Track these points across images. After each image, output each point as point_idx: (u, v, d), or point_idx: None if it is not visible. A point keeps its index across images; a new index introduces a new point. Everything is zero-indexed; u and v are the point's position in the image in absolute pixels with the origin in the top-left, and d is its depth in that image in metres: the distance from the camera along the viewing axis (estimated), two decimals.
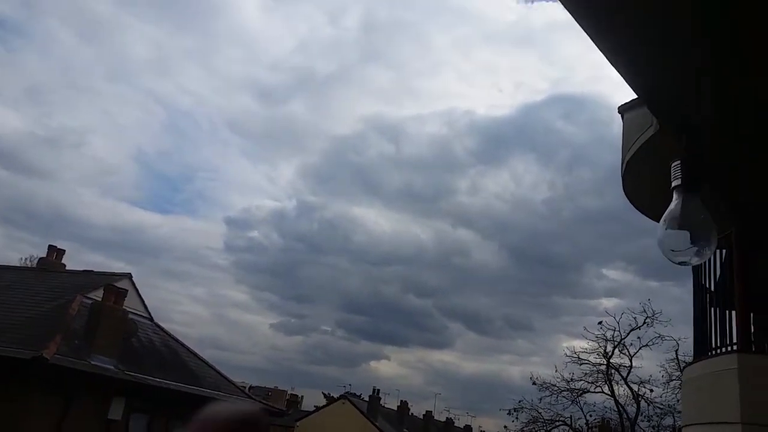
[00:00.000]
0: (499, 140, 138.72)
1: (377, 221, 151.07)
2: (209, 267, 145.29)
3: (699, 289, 6.27)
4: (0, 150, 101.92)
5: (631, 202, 6.91)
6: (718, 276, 6.29)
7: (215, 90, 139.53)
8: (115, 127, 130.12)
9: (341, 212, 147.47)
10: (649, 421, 26.59)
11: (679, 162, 3.68)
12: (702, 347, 5.95)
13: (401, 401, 61.72)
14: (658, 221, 7.59)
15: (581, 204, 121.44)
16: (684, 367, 6.32)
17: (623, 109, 6.48)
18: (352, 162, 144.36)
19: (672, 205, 3.61)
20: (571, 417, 27.34)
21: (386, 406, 60.03)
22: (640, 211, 7.17)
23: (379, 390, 57.67)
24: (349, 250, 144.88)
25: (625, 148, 6.26)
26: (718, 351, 5.56)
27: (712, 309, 6.33)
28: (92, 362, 16.36)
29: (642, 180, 6.37)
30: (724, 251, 6.21)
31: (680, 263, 4.03)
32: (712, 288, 6.40)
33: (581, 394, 26.51)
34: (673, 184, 3.66)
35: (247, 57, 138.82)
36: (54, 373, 14.91)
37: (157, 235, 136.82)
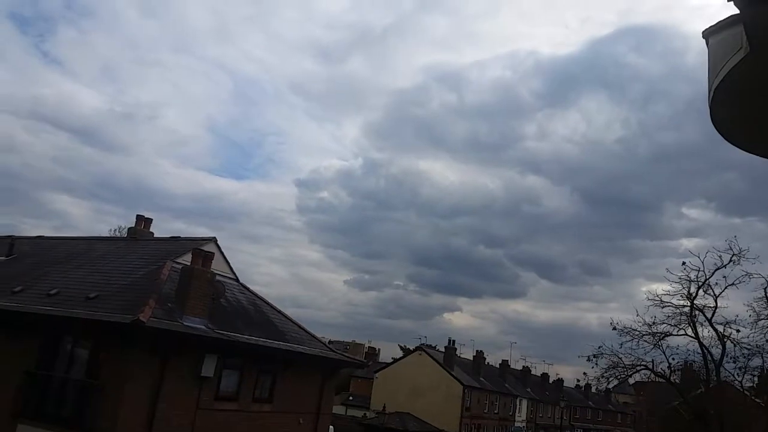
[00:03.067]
0: (567, 80, 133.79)
1: (444, 174, 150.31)
2: (284, 228, 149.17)
3: None
4: (84, 129, 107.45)
5: (720, 133, 6.43)
6: None
7: (276, 54, 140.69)
8: (186, 98, 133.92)
9: (407, 167, 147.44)
10: (735, 362, 25.67)
11: None
12: None
13: (477, 351, 62.12)
14: (750, 152, 7.09)
15: (657, 140, 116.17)
16: None
17: (708, 33, 5.98)
18: (414, 115, 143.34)
19: None
20: (653, 361, 26.72)
21: (462, 356, 60.52)
22: (730, 142, 6.67)
23: (454, 341, 58.16)
24: (417, 204, 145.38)
25: (713, 74, 5.79)
26: None
27: None
28: (185, 323, 16.98)
29: (732, 108, 5.91)
30: None
31: None
32: None
33: (663, 337, 25.82)
34: None
35: (304, 17, 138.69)
36: (150, 334, 15.55)
37: (234, 200, 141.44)
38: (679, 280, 25.07)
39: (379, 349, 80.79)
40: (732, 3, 4.65)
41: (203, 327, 17.58)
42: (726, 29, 5.73)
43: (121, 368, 15.56)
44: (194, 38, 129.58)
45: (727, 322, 25.06)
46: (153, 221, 25.78)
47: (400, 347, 76.57)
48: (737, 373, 26.31)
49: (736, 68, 5.47)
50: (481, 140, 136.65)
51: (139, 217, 25.50)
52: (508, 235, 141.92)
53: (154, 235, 25.16)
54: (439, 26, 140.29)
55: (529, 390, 66.16)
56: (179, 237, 23.78)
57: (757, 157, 6.98)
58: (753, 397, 27.69)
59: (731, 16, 5.59)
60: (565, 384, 76.36)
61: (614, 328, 26.27)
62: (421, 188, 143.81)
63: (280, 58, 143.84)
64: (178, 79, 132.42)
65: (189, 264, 18.55)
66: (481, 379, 57.77)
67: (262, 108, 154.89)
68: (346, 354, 29.03)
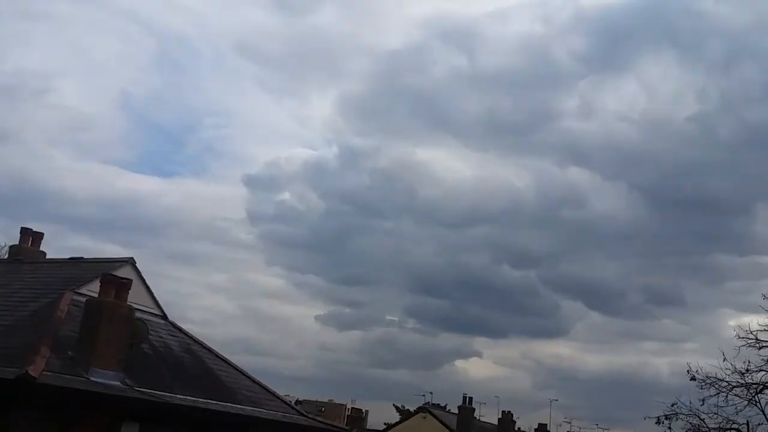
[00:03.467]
0: (619, 36, 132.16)
1: (452, 166, 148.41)
2: (230, 245, 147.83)
3: None
4: None
5: None
6: None
7: (216, 3, 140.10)
8: (89, 65, 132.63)
9: (401, 158, 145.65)
10: None
11: None
12: None
13: (503, 412, 61.97)
14: None
15: (746, 117, 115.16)
16: None
17: None
18: (410, 86, 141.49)
19: None
20: (747, 423, 26.66)
21: (482, 419, 60.38)
22: None
23: (471, 398, 57.99)
24: (415, 209, 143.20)
25: None
26: None
27: None
28: (92, 378, 16.63)
29: None
30: None
31: None
32: None
33: (762, 389, 25.76)
34: None
35: None
36: (44, 394, 15.20)
37: (159, 205, 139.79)
38: None
39: (366, 411, 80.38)
40: None
41: (118, 383, 17.28)
42: None
43: None
44: None
45: None
46: (44, 236, 25.45)
47: (396, 408, 76.52)
48: None
49: None
50: (502, 119, 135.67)
51: (25, 231, 25.19)
52: (543, 251, 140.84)
53: (47, 256, 24.93)
54: None
55: None
56: (82, 258, 23.53)
57: None
58: None
59: None
60: None
61: (693, 378, 26.10)
62: (421, 187, 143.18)
63: (222, 10, 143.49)
64: (78, 38, 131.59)
65: (97, 296, 18.21)
66: None
67: (197, 78, 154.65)
68: (320, 419, 28.74)
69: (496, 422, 61.29)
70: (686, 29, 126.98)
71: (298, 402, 43.25)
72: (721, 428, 26.75)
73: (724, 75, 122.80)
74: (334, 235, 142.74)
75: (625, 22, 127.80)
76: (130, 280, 19.37)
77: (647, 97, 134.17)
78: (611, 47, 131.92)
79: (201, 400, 19.45)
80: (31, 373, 14.76)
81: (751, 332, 25.68)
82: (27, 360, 15.31)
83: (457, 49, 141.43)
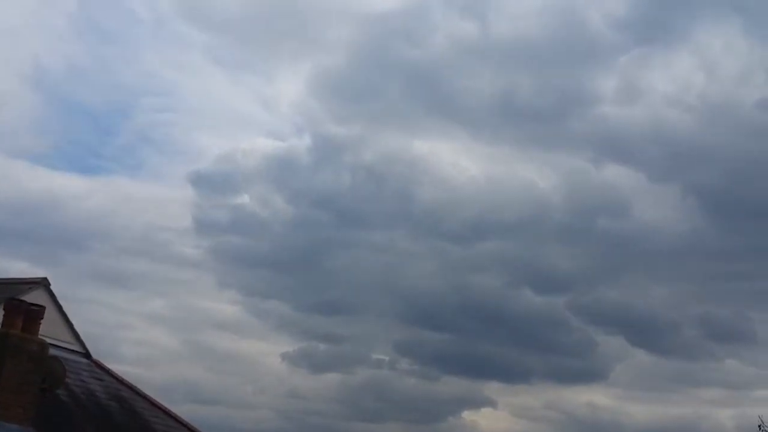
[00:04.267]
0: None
1: (457, 162, 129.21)
2: (172, 261, 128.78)
3: None
4: None
5: None
6: None
7: None
8: None
9: (392, 150, 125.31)
10: None
11: None
12: None
13: None
14: None
15: None
16: None
17: None
18: (403, 58, 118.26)
19: None
20: None
21: None
22: None
23: None
24: (411, 216, 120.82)
25: None
26: None
27: None
28: None
29: None
30: None
31: None
32: None
33: None
34: None
35: None
36: None
37: (81, 211, 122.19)
38: None
39: None
40: None
41: None
42: None
43: None
44: None
45: None
46: None
47: None
48: None
49: None
50: (521, 104, 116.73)
51: None
52: (575, 272, 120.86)
53: None
54: None
55: None
56: None
57: None
58: None
59: None
60: None
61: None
62: (418, 189, 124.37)
63: None
64: None
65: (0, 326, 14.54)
66: None
67: (131, 46, 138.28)
68: None
69: None
70: None
71: None
72: None
73: None
74: (305, 250, 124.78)
75: None
76: (43, 308, 15.41)
77: (705, 75, 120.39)
78: (660, 12, 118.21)
79: None
80: None
81: None
82: None
83: (463, 12, 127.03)
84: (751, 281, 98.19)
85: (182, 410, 20.40)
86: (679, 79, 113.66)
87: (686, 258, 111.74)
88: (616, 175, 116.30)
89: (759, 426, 21.40)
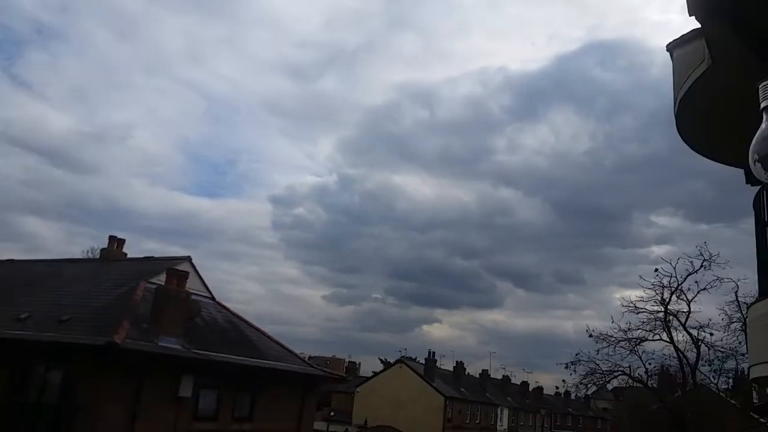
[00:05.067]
0: (535, 94, 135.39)
1: (418, 188, 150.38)
2: (260, 246, 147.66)
3: (761, 225, 5.98)
4: (53, 150, 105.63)
5: (685, 141, 6.61)
6: None
7: (249, 74, 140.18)
8: (158, 118, 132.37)
9: (382, 182, 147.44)
10: (710, 365, 26.10)
11: (767, 82, 3.45)
12: (767, 284, 5.68)
13: (457, 362, 62.19)
14: (715, 159, 7.27)
15: (624, 152, 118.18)
16: (749, 306, 6.06)
17: (672, 46, 6.16)
18: (388, 131, 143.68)
19: (763, 126, 3.39)
20: (629, 367, 27.04)
21: (442, 367, 60.56)
22: (695, 150, 6.86)
23: (434, 352, 58.20)
24: (393, 218, 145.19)
25: (677, 86, 5.96)
26: None
27: None
28: (160, 343, 16.75)
29: (696, 118, 6.08)
30: None
31: None
32: None
33: (639, 342, 26.16)
34: (762, 105, 3.45)
35: (276, 37, 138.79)
36: (126, 356, 15.35)
37: (209, 218, 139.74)
38: (652, 286, 25.45)
39: (359, 364, 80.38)
40: (694, 18, 4.81)
41: (179, 347, 17.34)
42: (689, 43, 5.90)
43: (97, 391, 15.30)
44: (167, 60, 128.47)
45: (700, 326, 25.51)
46: (126, 242, 25.31)
47: (381, 360, 76.37)
48: (713, 376, 26.76)
49: (700, 80, 5.65)
50: (453, 154, 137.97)
51: (112, 238, 25.06)
52: (484, 247, 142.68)
53: (128, 256, 24.77)
54: (409, 45, 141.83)
55: (509, 399, 66.32)
56: (152, 257, 23.44)
57: (721, 164, 7.20)
58: (729, 399, 28.13)
59: (693, 30, 5.78)
60: (545, 392, 76.69)
61: (590, 335, 26.55)
62: (397, 203, 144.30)
63: (253, 78, 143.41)
64: (151, 100, 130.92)
65: (163, 284, 18.31)
66: (462, 389, 57.77)
67: (236, 127, 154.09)
68: (326, 369, 28.82)
69: (451, 369, 61.45)
70: (581, 90, 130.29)
71: (310, 358, 43.13)
72: (611, 370, 27.16)
73: (608, 122, 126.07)
74: (334, 238, 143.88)
75: (539, 84, 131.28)
76: (187, 273, 19.58)
77: (554, 137, 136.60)
78: (529, 103, 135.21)
79: (238, 357, 19.52)
80: (116, 340, 15.01)
81: (631, 302, 26.14)
82: (113, 331, 15.49)
83: (421, 105, 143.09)
84: (581, 250, 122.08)
85: (267, 328, 24.18)
86: (540, 140, 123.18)
87: (545, 238, 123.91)
88: (505, 193, 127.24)
89: (586, 330, 26.11)
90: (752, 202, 5.87)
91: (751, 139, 3.60)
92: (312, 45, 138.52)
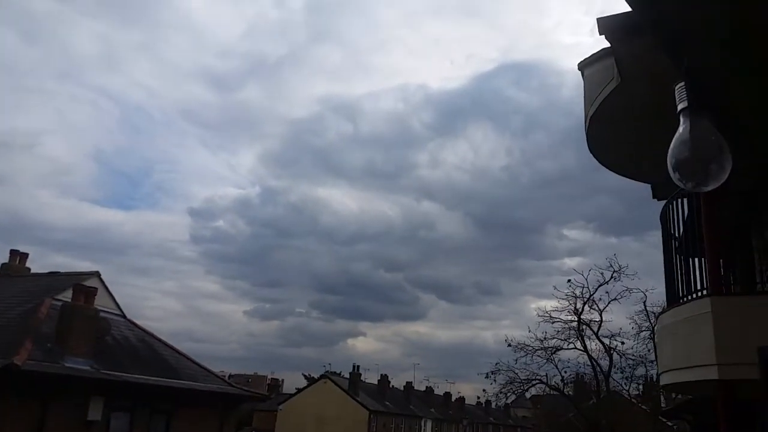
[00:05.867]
0: (454, 112, 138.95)
1: (343, 201, 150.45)
2: (177, 260, 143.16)
3: (668, 238, 6.30)
4: None
5: (595, 157, 6.89)
6: (683, 224, 6.31)
7: (167, 81, 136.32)
8: (68, 126, 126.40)
9: (306, 195, 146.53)
10: (622, 372, 27.30)
11: (683, 84, 3.50)
12: (674, 295, 5.99)
13: (381, 375, 62.40)
14: (624, 175, 7.61)
15: (538, 168, 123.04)
16: (658, 315, 6.36)
17: (583, 65, 6.40)
18: (312, 144, 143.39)
19: (680, 129, 3.46)
20: (546, 375, 27.89)
21: (367, 381, 60.50)
22: (605, 165, 7.16)
23: (358, 366, 58.10)
24: (317, 231, 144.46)
25: (588, 103, 6.20)
26: (691, 296, 5.59)
27: (680, 257, 6.37)
28: (66, 364, 15.95)
29: (606, 134, 6.35)
30: (686, 199, 6.22)
31: (695, 189, 3.94)
32: (679, 236, 6.42)
33: (555, 351, 27.04)
34: (679, 108, 3.48)
35: (196, 45, 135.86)
36: (28, 379, 14.53)
37: (121, 231, 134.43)
38: (566, 296, 26.46)
39: (282, 380, 79.12)
40: (604, 37, 5.02)
41: (88, 368, 16.57)
42: (599, 61, 6.15)
43: None
44: (79, 65, 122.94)
45: (612, 335, 26.70)
46: (30, 256, 24.08)
47: (304, 376, 75.44)
48: (624, 383, 28.01)
49: (609, 97, 5.89)
50: (377, 168, 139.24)
51: (14, 252, 23.74)
52: (407, 260, 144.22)
53: (31, 271, 23.52)
54: (332, 58, 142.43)
55: (433, 410, 66.96)
56: (59, 272, 22.33)
57: (629, 180, 7.57)
58: (639, 404, 29.50)
59: (603, 49, 6.03)
60: (467, 402, 77.96)
61: (509, 345, 27.27)
62: (321, 216, 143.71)
63: (171, 86, 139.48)
64: (61, 106, 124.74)
65: (69, 301, 17.50)
66: (387, 402, 57.86)
67: (152, 136, 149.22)
68: (246, 388, 28.10)
69: (376, 383, 61.49)
70: (498, 108, 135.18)
71: (230, 376, 42.04)
72: (529, 379, 27.93)
73: (524, 139, 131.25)
74: (257, 251, 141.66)
75: (458, 102, 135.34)
76: (96, 289, 18.77)
77: (474, 153, 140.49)
78: (449, 119, 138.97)
79: (152, 378, 18.87)
80: (16, 361, 14.14)
81: (546, 312, 27.07)
82: (14, 352, 14.62)
83: (345, 118, 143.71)
84: (499, 263, 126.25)
85: (183, 346, 23.39)
86: (460, 156, 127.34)
87: (466, 251, 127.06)
88: (428, 207, 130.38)
89: (505, 340, 27.10)
90: (659, 215, 6.18)
91: (659, 155, 3.74)
92: (233, 54, 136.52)
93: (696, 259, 6.01)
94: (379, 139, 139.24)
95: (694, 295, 5.54)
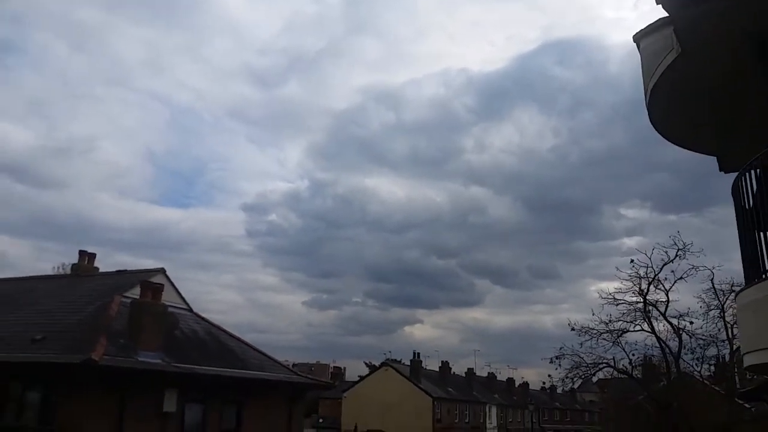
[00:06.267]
0: (498, 94, 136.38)
1: (390, 190, 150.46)
2: (235, 254, 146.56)
3: (742, 212, 6.04)
4: (13, 165, 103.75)
5: (657, 130, 6.66)
6: (755, 197, 6.02)
7: (211, 81, 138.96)
8: (121, 130, 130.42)
9: (353, 185, 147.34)
10: (692, 353, 26.41)
11: None
12: (754, 271, 5.73)
13: (442, 362, 62.46)
14: (687, 147, 7.35)
15: (587, 147, 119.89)
16: (737, 293, 6.12)
17: (639, 37, 6.20)
18: (356, 134, 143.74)
19: None
20: (614, 358, 27.24)
21: (428, 368, 60.68)
22: (667, 138, 6.92)
23: (419, 353, 58.35)
24: (367, 221, 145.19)
25: (647, 76, 5.99)
26: None
27: (759, 231, 6.08)
28: (140, 358, 16.52)
29: (668, 106, 6.13)
30: (759, 171, 5.93)
31: None
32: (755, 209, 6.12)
33: (621, 334, 26.34)
34: None
35: (237, 44, 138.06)
36: (105, 373, 15.08)
37: (180, 229, 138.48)
38: (629, 277, 25.69)
39: (344, 368, 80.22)
40: (660, 6, 4.85)
41: (160, 361, 17.13)
42: (656, 32, 5.95)
43: (78, 411, 14.98)
44: (126, 70, 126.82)
45: (680, 315, 25.81)
46: (97, 256, 24.96)
47: (366, 364, 76.33)
48: (695, 364, 27.08)
49: (670, 68, 5.70)
50: (422, 155, 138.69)
51: (82, 253, 24.65)
52: (459, 245, 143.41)
53: (99, 270, 24.35)
54: (371, 49, 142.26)
55: (496, 396, 66.67)
56: (125, 270, 23.07)
57: (685, 155, 7.29)
58: (712, 386, 28.53)
59: (660, 19, 5.81)
60: (531, 387, 77.27)
61: (573, 329, 26.69)
62: (370, 205, 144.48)
63: (216, 86, 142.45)
64: (112, 111, 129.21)
65: (138, 297, 18.10)
66: (449, 389, 57.91)
67: (201, 136, 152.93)
68: (311, 376, 28.67)
69: (437, 369, 61.60)
70: (543, 88, 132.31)
71: (294, 365, 42.91)
72: (595, 363, 27.35)
73: (570, 118, 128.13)
74: (310, 243, 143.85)
75: (501, 84, 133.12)
76: (162, 285, 19.38)
77: (520, 135, 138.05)
78: (493, 102, 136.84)
79: (221, 369, 19.35)
80: (94, 357, 14.72)
81: (610, 294, 26.39)
82: (90, 348, 15.20)
83: (387, 107, 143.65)
84: (554, 245, 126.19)
85: (248, 337, 24.05)
86: (506, 139, 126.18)
87: (518, 234, 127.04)
88: (476, 192, 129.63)
89: (568, 324, 26.31)
90: (731, 188, 5.92)
91: (724, 125, 3.61)
92: (273, 50, 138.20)
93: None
94: (422, 126, 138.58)
95: None
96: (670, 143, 7.05)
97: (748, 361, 6.00)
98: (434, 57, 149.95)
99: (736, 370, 26.80)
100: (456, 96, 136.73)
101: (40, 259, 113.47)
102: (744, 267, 6.27)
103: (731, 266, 26.48)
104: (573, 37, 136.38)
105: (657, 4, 4.77)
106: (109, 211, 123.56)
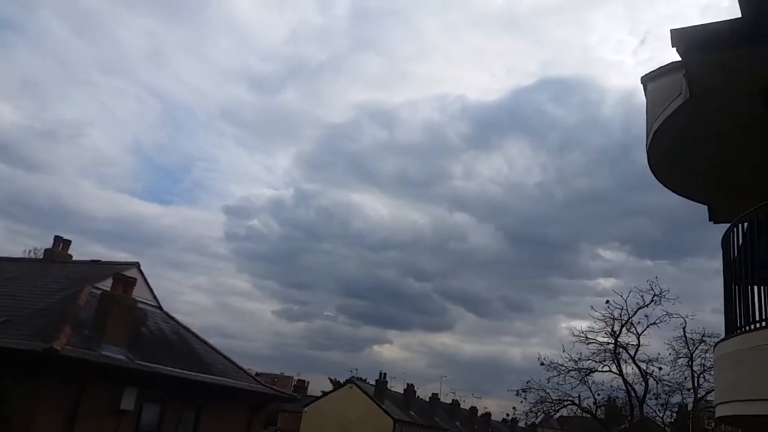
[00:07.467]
0: (491, 124, 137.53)
1: (374, 207, 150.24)
2: (210, 256, 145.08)
3: (729, 265, 6.05)
4: None
5: (654, 174, 6.66)
6: (737, 251, 6.03)
7: (209, 81, 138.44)
8: (112, 119, 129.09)
9: (338, 199, 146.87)
10: (657, 399, 26.61)
11: None
12: (734, 322, 5.73)
13: (407, 384, 61.91)
14: (683, 195, 7.36)
15: (573, 186, 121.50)
16: (717, 343, 6.09)
17: (647, 79, 6.22)
18: (346, 149, 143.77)
19: None
20: (579, 396, 27.34)
21: (393, 389, 60.20)
22: (663, 183, 6.92)
23: (385, 373, 57.79)
24: (347, 236, 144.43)
25: (651, 118, 6.00)
26: (758, 325, 5.34)
27: (735, 285, 6.10)
28: (103, 352, 16.13)
29: (669, 150, 6.13)
30: (746, 224, 5.96)
31: None
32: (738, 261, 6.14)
33: (589, 373, 26.49)
34: None
35: (240, 47, 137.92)
36: (65, 364, 14.70)
37: (158, 225, 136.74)
38: (603, 317, 25.90)
39: (308, 382, 79.20)
40: (675, 50, 4.85)
41: (123, 357, 16.73)
42: (665, 75, 5.97)
43: (32, 398, 14.53)
44: (127, 60, 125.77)
45: (649, 360, 26.07)
46: (72, 243, 24.49)
47: (330, 380, 75.50)
48: (659, 410, 27.28)
49: (675, 113, 5.71)
50: (410, 177, 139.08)
51: (57, 239, 24.17)
52: (436, 269, 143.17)
53: (73, 258, 23.87)
54: (372, 65, 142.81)
55: (458, 424, 66.26)
56: (100, 261, 22.69)
57: (667, 203, 7.33)
58: None
59: (670, 63, 5.84)
60: (492, 418, 76.97)
61: (542, 363, 26.79)
62: (352, 220, 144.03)
63: (213, 85, 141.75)
64: (106, 99, 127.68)
65: (109, 290, 17.73)
66: (412, 413, 57.44)
67: (192, 133, 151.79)
68: (276, 387, 28.23)
69: (402, 392, 61.17)
70: (535, 123, 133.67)
71: (257, 374, 42.26)
72: (561, 399, 27.40)
73: (559, 156, 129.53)
74: (287, 252, 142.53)
75: (495, 115, 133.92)
76: (135, 279, 18.96)
77: (508, 167, 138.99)
78: (485, 132, 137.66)
79: (185, 371, 18.99)
80: (56, 346, 14.33)
81: (582, 332, 26.54)
82: (53, 336, 14.83)
83: (380, 125, 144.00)
84: (530, 279, 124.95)
85: (215, 341, 23.71)
86: (494, 169, 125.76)
87: (496, 264, 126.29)
88: (460, 218, 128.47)
89: (538, 358, 26.58)
90: (720, 239, 5.92)
91: (722, 175, 3.58)
92: (275, 58, 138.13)
93: (756, 287, 5.75)
94: (413, 148, 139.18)
95: (762, 324, 5.28)
96: (653, 189, 7.09)
97: (723, 411, 5.97)
98: (433, 80, 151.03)
99: (690, 417, 27.00)
100: (450, 122, 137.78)
101: (11, 241, 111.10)
102: (726, 317, 6.27)
103: (703, 316, 27.06)
104: (571, 76, 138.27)
105: (672, 46, 4.75)
106: (89, 199, 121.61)
